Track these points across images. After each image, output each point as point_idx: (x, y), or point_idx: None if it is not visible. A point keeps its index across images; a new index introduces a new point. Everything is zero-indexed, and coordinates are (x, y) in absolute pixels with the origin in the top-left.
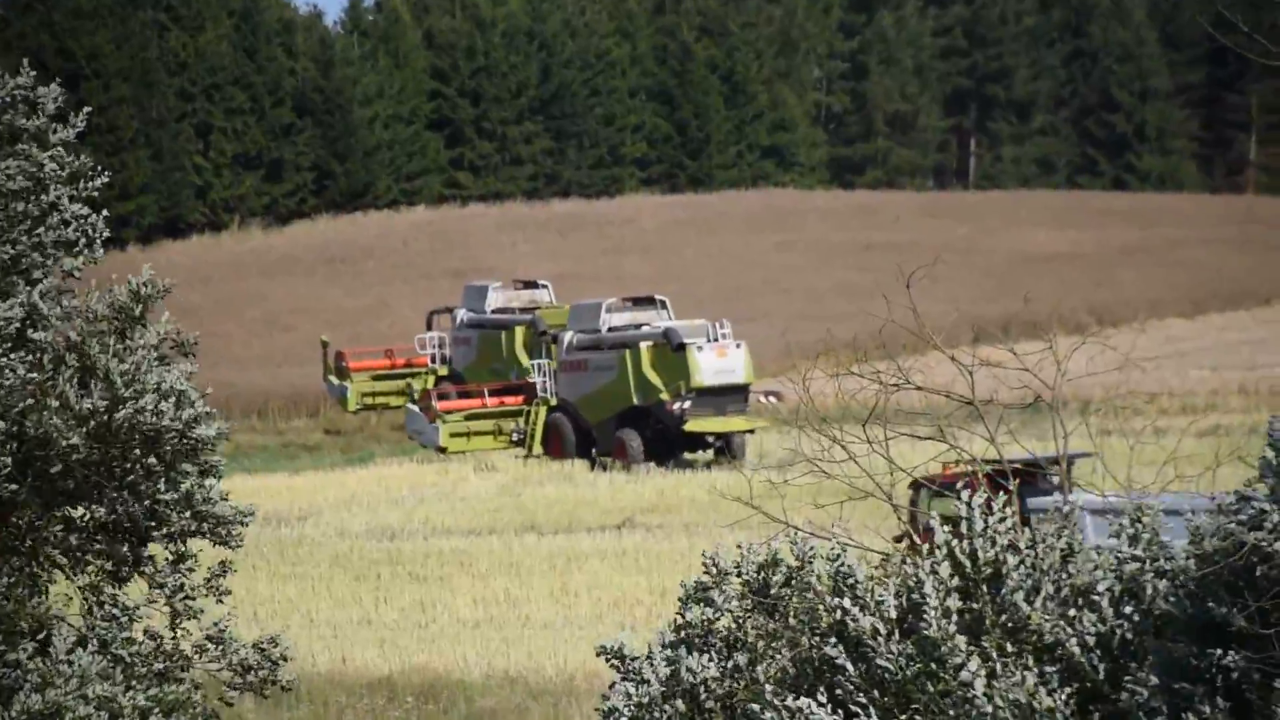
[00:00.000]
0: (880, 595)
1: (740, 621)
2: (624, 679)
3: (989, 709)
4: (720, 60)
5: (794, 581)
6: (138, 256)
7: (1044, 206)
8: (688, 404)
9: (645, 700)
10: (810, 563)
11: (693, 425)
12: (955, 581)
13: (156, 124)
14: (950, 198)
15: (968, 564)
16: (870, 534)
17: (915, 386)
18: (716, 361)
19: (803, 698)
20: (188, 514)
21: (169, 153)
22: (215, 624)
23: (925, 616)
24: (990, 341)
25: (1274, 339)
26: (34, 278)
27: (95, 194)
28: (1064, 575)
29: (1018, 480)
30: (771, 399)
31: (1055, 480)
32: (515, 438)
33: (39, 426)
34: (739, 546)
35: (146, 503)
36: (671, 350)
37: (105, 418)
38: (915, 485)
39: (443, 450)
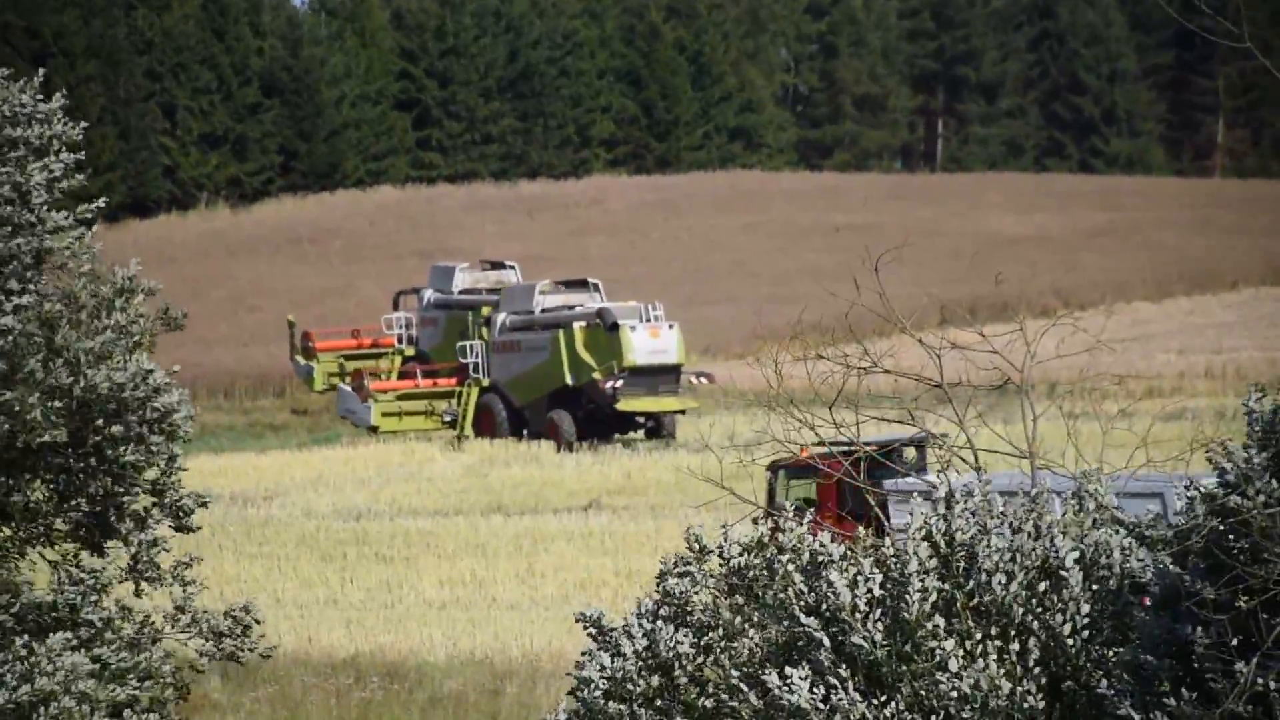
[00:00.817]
0: (863, 572)
1: (716, 600)
2: (599, 649)
3: (961, 690)
4: (688, 41)
5: (775, 565)
6: (104, 235)
7: (1011, 189)
8: (620, 383)
9: (620, 675)
10: (792, 545)
11: (625, 405)
12: (933, 563)
13: (123, 103)
14: (917, 180)
15: (944, 545)
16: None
17: (884, 370)
18: (649, 342)
19: (771, 673)
20: (148, 491)
21: (136, 131)
22: (183, 586)
23: (906, 598)
24: (958, 324)
25: (1240, 323)
26: (9, 286)
27: (89, 215)
28: (1034, 556)
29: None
30: (703, 379)
31: (909, 463)
32: (447, 418)
33: (14, 401)
34: (723, 527)
35: (110, 473)
36: (605, 330)
37: (70, 390)
38: (772, 467)
39: (374, 430)
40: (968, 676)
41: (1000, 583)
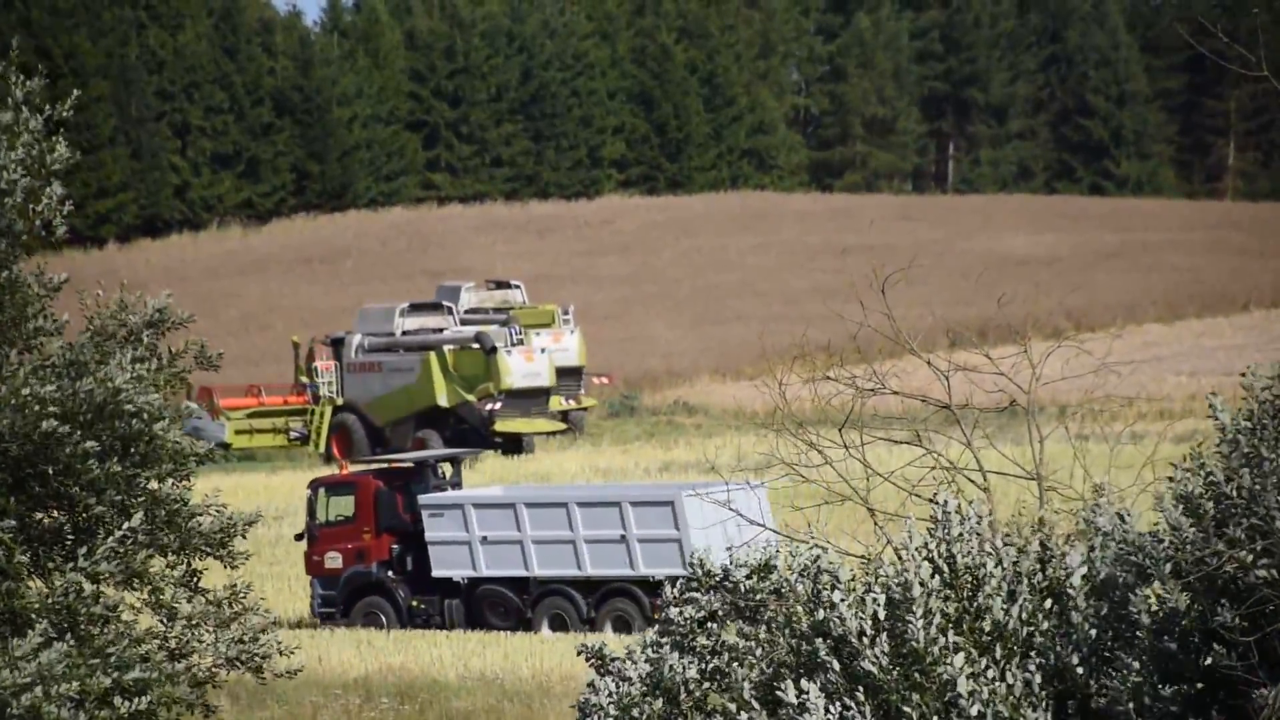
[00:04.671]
0: (866, 596)
1: (722, 623)
2: (604, 677)
3: (973, 712)
4: (700, 62)
5: (783, 589)
6: (116, 255)
7: (1021, 210)
8: (499, 405)
9: (625, 701)
10: (793, 568)
11: (502, 425)
12: (936, 583)
13: (135, 122)
14: (927, 201)
15: (946, 568)
16: (846, 538)
17: (891, 391)
18: (525, 365)
19: (788, 687)
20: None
21: (148, 151)
22: (208, 598)
23: (910, 621)
24: (966, 346)
25: (1251, 345)
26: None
27: (58, 170)
28: (1039, 578)
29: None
30: (570, 400)
31: (445, 478)
32: (293, 435)
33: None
34: (728, 550)
35: (90, 490)
36: (484, 354)
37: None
38: (313, 485)
39: (226, 447)
40: (980, 697)
41: (1000, 604)
